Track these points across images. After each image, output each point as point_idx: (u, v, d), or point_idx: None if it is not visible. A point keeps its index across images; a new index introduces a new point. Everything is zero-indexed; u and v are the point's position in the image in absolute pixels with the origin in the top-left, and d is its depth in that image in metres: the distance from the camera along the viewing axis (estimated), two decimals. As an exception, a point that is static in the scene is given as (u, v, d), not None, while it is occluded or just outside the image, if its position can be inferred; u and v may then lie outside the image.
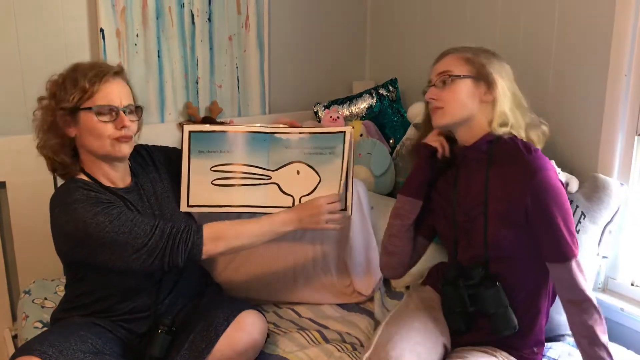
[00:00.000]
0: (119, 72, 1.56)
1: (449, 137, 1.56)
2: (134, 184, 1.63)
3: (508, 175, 1.42)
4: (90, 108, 1.49)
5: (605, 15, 1.82)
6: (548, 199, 1.37)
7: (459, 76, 1.47)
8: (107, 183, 1.58)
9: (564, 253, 1.37)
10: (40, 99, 1.55)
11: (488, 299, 1.42)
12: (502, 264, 1.45)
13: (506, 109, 1.46)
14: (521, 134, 1.47)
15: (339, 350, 1.64)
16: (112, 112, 1.51)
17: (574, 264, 1.37)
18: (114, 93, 1.52)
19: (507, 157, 1.44)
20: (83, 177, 1.55)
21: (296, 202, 1.71)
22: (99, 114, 1.49)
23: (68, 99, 1.49)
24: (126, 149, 1.55)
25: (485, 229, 1.44)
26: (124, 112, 1.52)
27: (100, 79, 1.50)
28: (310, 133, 1.73)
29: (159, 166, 1.71)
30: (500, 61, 1.51)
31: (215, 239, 1.52)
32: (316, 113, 2.72)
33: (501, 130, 1.45)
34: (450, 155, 1.56)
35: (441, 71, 1.50)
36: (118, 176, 1.60)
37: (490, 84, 1.45)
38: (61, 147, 1.54)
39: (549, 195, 1.37)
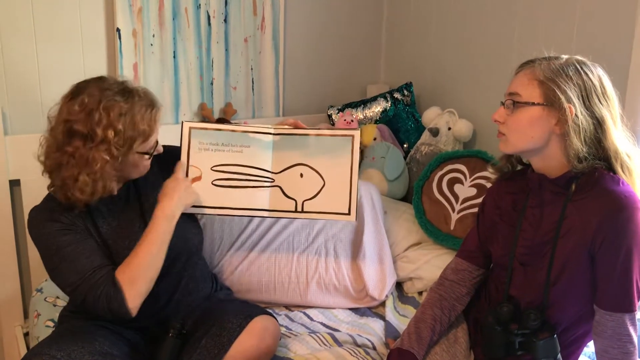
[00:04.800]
0: None
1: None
2: (126, 188, 1.59)
3: (587, 210, 1.29)
4: (147, 153, 1.50)
5: (626, 19, 1.80)
6: (629, 242, 1.24)
7: (526, 103, 1.31)
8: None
9: (622, 304, 1.27)
10: (84, 146, 1.42)
11: (540, 348, 1.32)
12: (559, 310, 1.36)
13: (580, 143, 1.28)
14: (612, 166, 1.31)
15: (351, 354, 1.62)
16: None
17: (627, 318, 1.28)
18: (158, 127, 1.52)
19: (590, 191, 1.30)
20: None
21: (299, 206, 1.68)
22: (148, 154, 1.51)
23: (126, 146, 1.44)
24: (148, 168, 1.57)
25: (548, 274, 1.34)
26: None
27: (155, 119, 1.49)
28: (315, 135, 1.69)
29: (164, 168, 1.66)
30: (587, 77, 1.30)
31: (132, 281, 1.43)
32: (330, 116, 2.71)
33: (580, 166, 1.30)
34: (522, 178, 1.45)
35: (511, 91, 1.35)
36: (117, 185, 1.56)
37: (562, 114, 1.27)
38: (106, 188, 1.47)
39: (631, 239, 1.24)
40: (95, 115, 1.42)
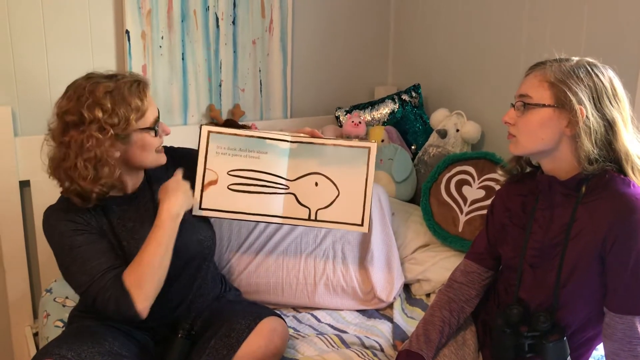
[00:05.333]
0: None
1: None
2: (142, 189, 1.59)
3: (598, 212, 1.29)
4: (151, 128, 1.49)
5: (635, 20, 1.79)
6: (639, 244, 1.24)
7: (537, 105, 1.31)
8: (113, 192, 1.54)
9: (633, 307, 1.26)
10: (77, 132, 1.42)
11: (550, 350, 1.31)
12: (569, 313, 1.36)
13: (591, 145, 1.27)
14: (622, 168, 1.31)
15: (359, 356, 1.62)
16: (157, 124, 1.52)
17: (637, 320, 1.26)
18: (153, 105, 1.52)
19: (601, 193, 1.30)
20: None
21: (312, 215, 1.69)
22: (151, 130, 1.50)
23: (122, 123, 1.43)
24: (165, 158, 1.57)
25: (558, 276, 1.34)
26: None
27: (145, 93, 1.48)
28: (332, 145, 1.70)
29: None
30: (598, 79, 1.29)
31: (139, 284, 1.41)
32: (337, 118, 2.71)
33: (591, 168, 1.29)
34: (531, 180, 1.44)
35: (521, 93, 1.34)
36: (131, 183, 1.57)
37: (573, 116, 1.27)
38: (113, 173, 1.47)
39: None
40: (82, 99, 1.43)
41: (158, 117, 1.53)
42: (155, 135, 1.52)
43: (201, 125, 1.69)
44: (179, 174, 1.59)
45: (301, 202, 1.70)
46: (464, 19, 2.52)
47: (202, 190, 1.65)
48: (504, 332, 1.38)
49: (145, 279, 1.43)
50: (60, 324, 1.87)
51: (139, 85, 1.49)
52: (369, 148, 1.69)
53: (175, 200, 1.51)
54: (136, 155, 1.50)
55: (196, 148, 1.70)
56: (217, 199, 1.66)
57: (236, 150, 1.67)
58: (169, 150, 1.68)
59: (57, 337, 1.51)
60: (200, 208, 1.65)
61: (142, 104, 1.47)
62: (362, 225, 1.70)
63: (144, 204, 1.58)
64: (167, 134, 1.58)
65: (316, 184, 1.70)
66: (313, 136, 1.72)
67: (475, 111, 2.46)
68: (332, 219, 1.70)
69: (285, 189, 1.70)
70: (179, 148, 1.73)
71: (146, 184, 1.61)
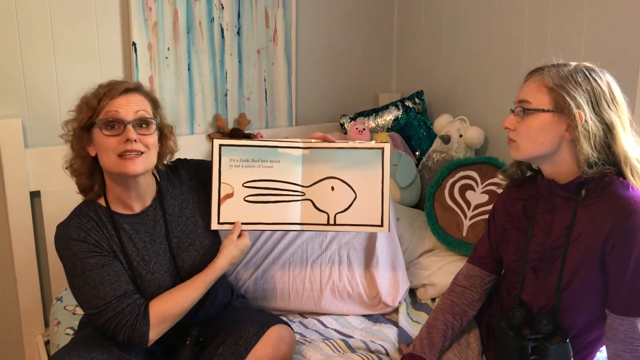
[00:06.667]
0: (131, 89, 1.50)
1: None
2: (153, 208, 1.58)
3: (598, 215, 1.30)
4: (95, 123, 1.46)
5: (634, 25, 1.80)
6: (638, 246, 1.25)
7: (536, 110, 1.33)
8: (119, 209, 1.55)
9: (634, 308, 1.27)
10: (66, 122, 1.54)
11: (553, 352, 1.33)
12: (572, 315, 1.37)
13: (591, 148, 1.29)
14: (622, 171, 1.32)
15: (364, 361, 1.64)
16: (116, 125, 1.44)
17: (639, 322, 1.27)
18: (121, 107, 1.45)
19: (600, 196, 1.32)
20: (99, 201, 1.55)
21: (331, 219, 1.69)
22: (103, 127, 1.45)
23: (83, 118, 1.48)
24: (133, 167, 1.45)
25: (560, 279, 1.35)
26: (132, 125, 1.45)
27: (109, 95, 1.48)
28: (345, 148, 1.70)
29: (194, 185, 1.66)
30: (596, 83, 1.31)
31: (162, 321, 1.48)
32: (342, 125, 2.74)
33: (590, 172, 1.31)
34: (532, 184, 1.46)
35: (520, 99, 1.36)
36: (134, 197, 1.54)
37: (572, 120, 1.29)
38: (82, 167, 1.52)
39: None
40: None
41: (119, 120, 1.45)
42: (110, 135, 1.45)
43: (213, 138, 1.68)
44: (244, 234, 1.66)
45: (319, 208, 1.69)
46: (466, 26, 2.54)
47: (219, 205, 1.64)
48: (507, 334, 1.39)
49: (170, 317, 1.49)
50: (71, 332, 1.90)
51: (110, 89, 1.49)
52: (383, 149, 1.69)
53: (234, 256, 1.60)
54: (100, 157, 1.49)
55: (203, 158, 1.71)
56: (235, 212, 1.65)
57: (249, 162, 1.66)
58: (183, 165, 1.68)
59: (66, 345, 1.53)
60: (218, 222, 1.65)
61: (100, 104, 1.47)
62: (382, 225, 1.70)
63: (155, 223, 1.58)
64: (128, 140, 1.45)
65: (332, 189, 1.69)
66: (325, 141, 1.71)
67: (478, 116, 2.48)
68: (351, 222, 1.69)
69: (302, 195, 1.69)
70: (191, 160, 1.72)
71: (157, 202, 1.59)
